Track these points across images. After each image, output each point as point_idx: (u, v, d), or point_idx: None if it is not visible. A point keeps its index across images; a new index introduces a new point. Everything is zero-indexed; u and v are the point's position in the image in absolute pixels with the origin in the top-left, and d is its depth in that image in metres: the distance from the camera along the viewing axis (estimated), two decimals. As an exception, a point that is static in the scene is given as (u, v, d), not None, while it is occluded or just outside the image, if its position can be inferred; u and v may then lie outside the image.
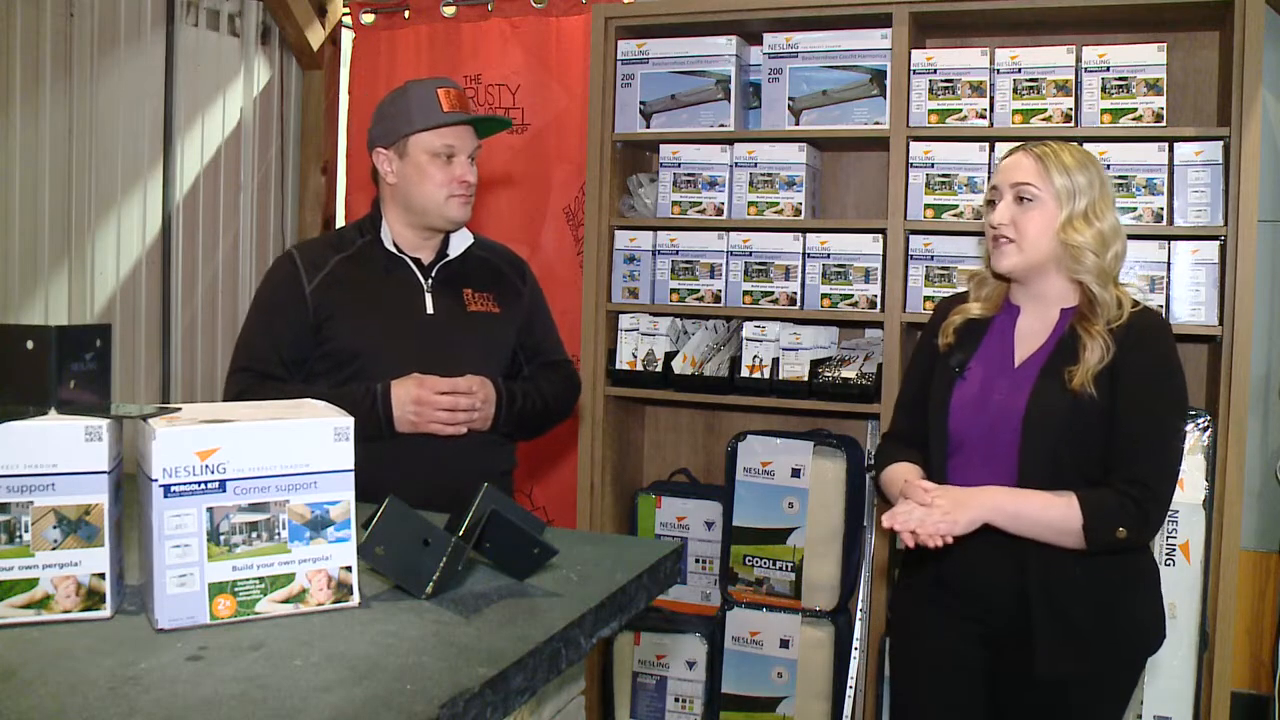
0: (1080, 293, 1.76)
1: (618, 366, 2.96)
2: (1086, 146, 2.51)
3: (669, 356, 2.91)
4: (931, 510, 1.63)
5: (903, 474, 1.81)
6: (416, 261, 2.07)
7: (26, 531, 1.09)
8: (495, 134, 2.19)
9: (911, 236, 2.70)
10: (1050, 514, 1.64)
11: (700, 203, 2.90)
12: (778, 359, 2.82)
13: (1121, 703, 1.77)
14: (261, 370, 1.98)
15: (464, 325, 2.07)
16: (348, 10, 3.69)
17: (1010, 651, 1.74)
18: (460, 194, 2.04)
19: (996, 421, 1.73)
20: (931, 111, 2.68)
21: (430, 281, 2.07)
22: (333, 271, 2.03)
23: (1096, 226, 1.73)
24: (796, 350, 2.81)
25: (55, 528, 1.10)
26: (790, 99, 2.81)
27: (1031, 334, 1.79)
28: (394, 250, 2.06)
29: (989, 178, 2.58)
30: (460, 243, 2.13)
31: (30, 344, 1.12)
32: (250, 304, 2.13)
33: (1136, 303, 1.76)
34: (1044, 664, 1.68)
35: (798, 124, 2.81)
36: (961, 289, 1.99)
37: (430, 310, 2.05)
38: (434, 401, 1.92)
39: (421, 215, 2.05)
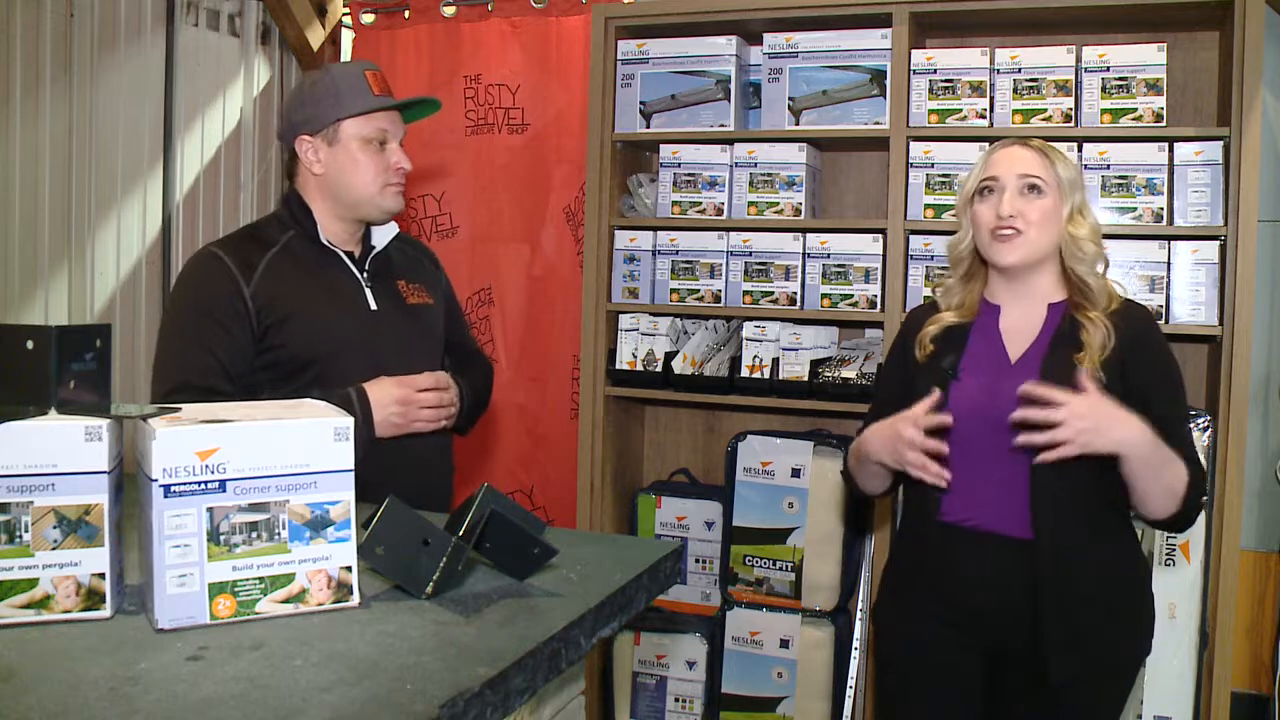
0: (1067, 285, 1.75)
1: (618, 366, 2.96)
2: (1087, 146, 2.55)
3: (669, 356, 2.91)
4: (1076, 410, 1.49)
5: (888, 422, 1.71)
6: (349, 255, 1.95)
7: (26, 531, 1.09)
8: (422, 119, 2.05)
9: (911, 236, 2.70)
10: (1178, 471, 1.60)
11: (700, 203, 2.90)
12: (778, 359, 2.82)
13: (1123, 702, 1.76)
14: (204, 386, 1.74)
15: (408, 319, 1.98)
16: (348, 10, 3.69)
17: (1011, 659, 1.73)
18: (395, 183, 1.92)
19: (1005, 418, 1.68)
20: (931, 111, 2.68)
21: (365, 275, 1.95)
22: (269, 271, 1.84)
23: (1089, 219, 1.75)
24: (796, 350, 2.81)
25: (55, 528, 1.10)
26: (790, 99, 2.81)
27: (1020, 331, 1.76)
28: (326, 244, 1.92)
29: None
30: (385, 233, 2.00)
31: (30, 344, 1.12)
32: (171, 316, 1.87)
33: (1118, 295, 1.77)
34: (1057, 669, 1.66)
35: (798, 124, 2.81)
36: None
37: (373, 306, 1.93)
38: (418, 399, 1.84)
39: (353, 207, 1.92)
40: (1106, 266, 1.79)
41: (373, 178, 1.90)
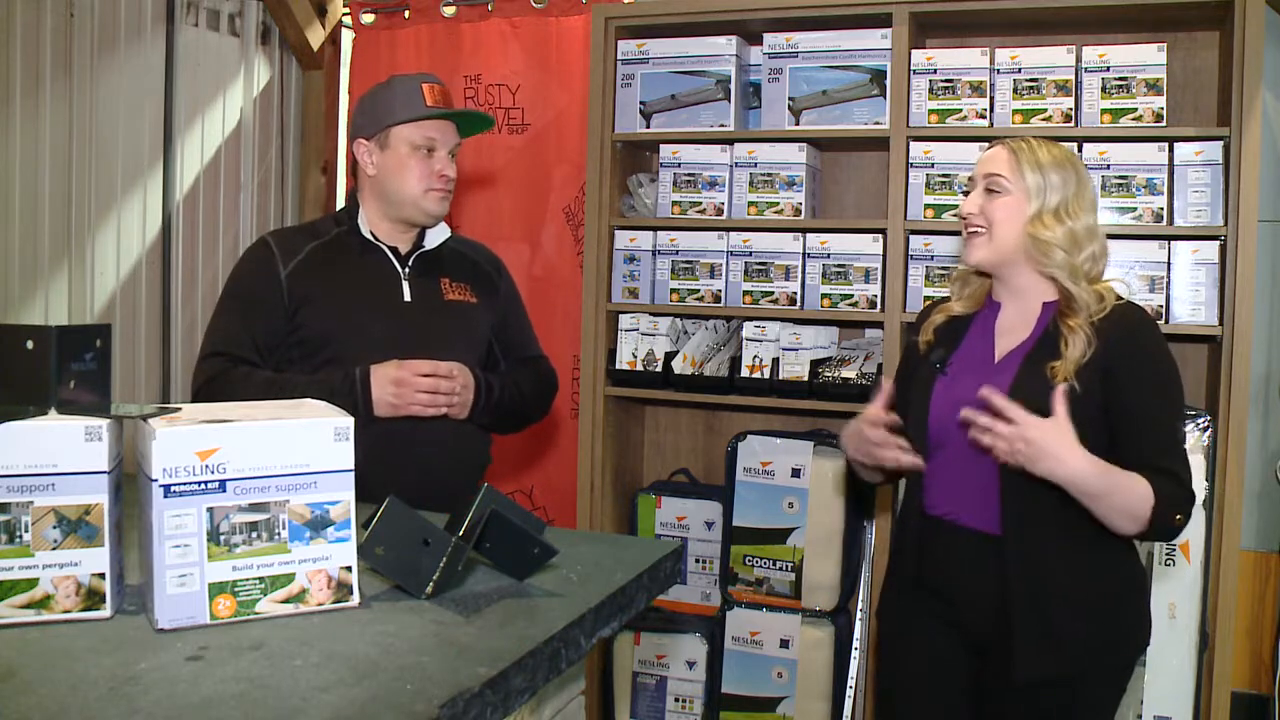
0: (1059, 287, 1.74)
1: (618, 366, 2.96)
2: (1087, 146, 2.55)
3: (669, 356, 2.91)
4: (1021, 432, 1.51)
5: (854, 426, 1.79)
6: (394, 250, 2.06)
7: (26, 531, 1.09)
8: (478, 133, 2.17)
9: (911, 236, 2.70)
10: (1130, 497, 1.58)
11: (700, 203, 2.90)
12: (778, 359, 2.82)
13: (1109, 708, 1.75)
14: (235, 355, 1.94)
15: (441, 312, 2.06)
16: (348, 10, 3.69)
17: (993, 657, 1.73)
18: (439, 188, 2.03)
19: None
20: (931, 111, 2.68)
21: (407, 270, 2.06)
22: (308, 257, 2.01)
23: (1068, 225, 1.70)
24: (796, 350, 2.81)
25: (55, 528, 1.10)
26: (790, 99, 2.81)
27: (1012, 329, 1.77)
28: (370, 238, 2.05)
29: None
30: (437, 235, 2.12)
31: (30, 344, 1.12)
32: (222, 290, 2.08)
33: (1120, 296, 1.73)
34: (1023, 668, 1.67)
35: (798, 124, 2.81)
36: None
37: (407, 298, 2.03)
38: (414, 383, 1.89)
39: (399, 208, 2.04)
40: (1087, 272, 1.72)
41: (416, 181, 2.01)
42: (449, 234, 2.14)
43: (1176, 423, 1.70)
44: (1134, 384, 1.66)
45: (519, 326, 2.25)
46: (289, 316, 1.97)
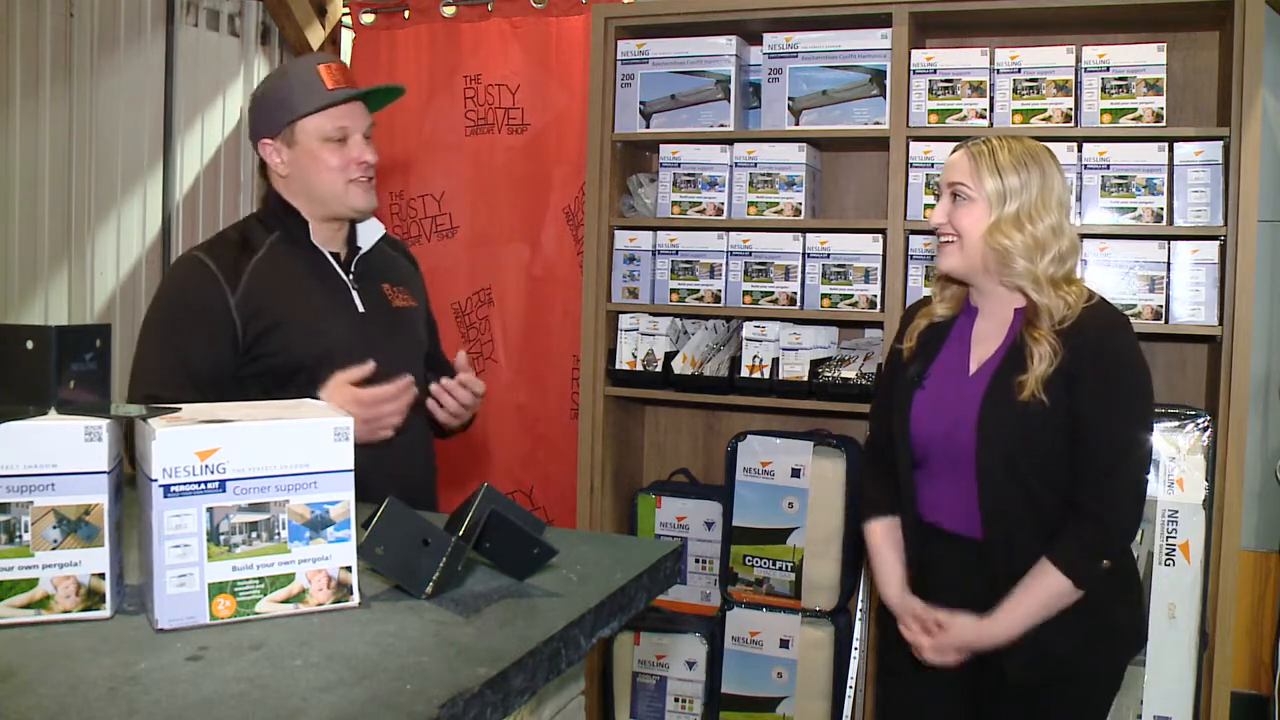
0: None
1: (618, 366, 2.96)
2: (1087, 146, 2.54)
3: (669, 356, 2.91)
4: (941, 643, 1.71)
5: (887, 570, 1.86)
6: (335, 256, 1.92)
7: (26, 531, 1.09)
8: (388, 104, 1.98)
9: (911, 236, 2.70)
10: (1056, 602, 1.64)
11: (700, 203, 2.90)
12: (778, 359, 2.82)
13: (1102, 709, 1.75)
14: (178, 399, 1.70)
15: (394, 323, 1.95)
16: (348, 10, 3.69)
17: (988, 658, 1.73)
18: (360, 176, 1.86)
19: (954, 431, 1.71)
20: (931, 111, 2.68)
21: (351, 277, 1.92)
22: (255, 277, 1.82)
23: (1029, 231, 1.66)
24: (796, 350, 2.81)
25: (55, 528, 1.10)
26: (790, 99, 2.81)
27: (987, 337, 1.76)
28: (314, 245, 1.89)
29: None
30: (371, 234, 1.97)
31: (30, 344, 1.12)
32: (150, 320, 1.84)
33: (1093, 295, 1.70)
34: (1014, 671, 1.68)
35: (798, 124, 2.81)
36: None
37: (361, 309, 1.90)
38: (379, 412, 1.73)
39: (323, 205, 1.88)
40: (1051, 275, 1.69)
41: (335, 174, 1.86)
42: (383, 231, 1.99)
43: (1131, 431, 1.67)
44: (1092, 389, 1.64)
45: (434, 329, 2.16)
46: (243, 348, 1.79)
